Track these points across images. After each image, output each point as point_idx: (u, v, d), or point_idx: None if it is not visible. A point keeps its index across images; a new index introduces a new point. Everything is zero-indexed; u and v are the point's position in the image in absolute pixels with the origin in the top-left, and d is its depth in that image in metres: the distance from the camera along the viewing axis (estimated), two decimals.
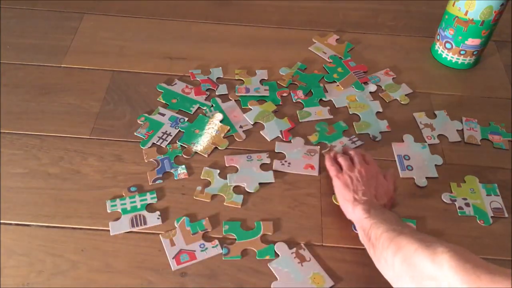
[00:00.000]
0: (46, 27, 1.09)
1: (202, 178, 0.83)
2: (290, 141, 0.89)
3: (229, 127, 0.91)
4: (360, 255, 0.75)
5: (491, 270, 0.51)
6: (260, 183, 0.83)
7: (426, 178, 0.85)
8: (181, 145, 0.88)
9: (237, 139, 0.90)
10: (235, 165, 0.85)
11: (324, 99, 0.97)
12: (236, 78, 1.00)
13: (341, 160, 0.81)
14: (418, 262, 0.58)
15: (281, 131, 0.90)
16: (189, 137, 0.89)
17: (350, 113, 0.95)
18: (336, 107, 0.96)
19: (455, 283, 0.52)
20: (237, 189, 0.82)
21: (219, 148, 0.88)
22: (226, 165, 0.85)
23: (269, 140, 0.90)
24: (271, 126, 0.91)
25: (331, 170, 0.80)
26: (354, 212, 0.72)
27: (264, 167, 0.85)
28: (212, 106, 0.94)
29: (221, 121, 0.91)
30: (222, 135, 0.89)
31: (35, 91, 0.96)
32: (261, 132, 0.91)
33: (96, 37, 1.08)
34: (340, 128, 0.91)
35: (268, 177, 0.84)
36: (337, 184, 0.77)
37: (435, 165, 0.87)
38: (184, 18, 1.13)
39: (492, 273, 0.51)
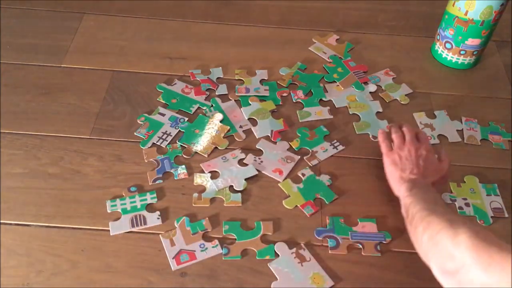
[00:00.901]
0: (46, 27, 1.09)
1: (195, 184, 0.82)
2: (276, 143, 0.89)
3: (229, 127, 0.91)
4: (360, 255, 0.75)
5: (504, 249, 0.52)
6: (246, 179, 0.83)
7: None
8: (181, 145, 0.88)
9: (237, 139, 0.90)
10: (214, 169, 0.84)
11: (324, 99, 0.97)
12: (236, 78, 1.00)
13: (394, 137, 0.83)
14: (440, 241, 0.60)
15: (272, 130, 0.90)
16: (189, 137, 0.89)
17: (350, 113, 0.95)
18: (336, 107, 0.96)
19: (468, 261, 0.54)
20: (233, 188, 0.82)
21: (219, 148, 0.88)
22: (206, 172, 0.84)
23: (257, 137, 0.90)
24: (264, 124, 0.91)
25: (382, 146, 0.82)
26: (400, 190, 0.75)
27: (242, 162, 0.85)
28: (212, 106, 0.94)
29: (221, 121, 0.91)
30: (222, 135, 0.89)
31: (35, 91, 0.96)
32: (252, 127, 0.91)
33: (96, 37, 1.08)
34: (321, 133, 0.91)
35: (250, 171, 0.84)
36: (386, 162, 0.80)
37: None
38: (184, 18, 1.13)
39: (505, 252, 0.52)
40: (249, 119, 0.92)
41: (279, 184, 0.83)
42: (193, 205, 0.80)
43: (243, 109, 0.94)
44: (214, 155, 0.87)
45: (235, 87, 0.98)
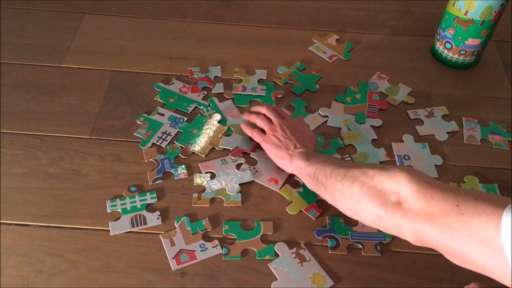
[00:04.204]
0: (46, 27, 1.09)
1: (195, 184, 0.82)
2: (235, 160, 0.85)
3: (227, 127, 0.90)
4: (360, 255, 0.75)
5: (442, 185, 0.58)
6: (240, 184, 0.82)
7: None
8: (180, 145, 0.88)
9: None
10: (211, 170, 0.84)
11: (321, 113, 0.94)
12: (235, 77, 1.00)
13: (260, 123, 0.85)
14: (377, 184, 0.62)
15: (236, 147, 0.87)
16: (187, 137, 0.89)
17: (346, 144, 0.89)
18: (328, 124, 0.92)
19: (411, 195, 0.58)
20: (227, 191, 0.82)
21: (216, 148, 0.88)
22: (202, 172, 0.83)
23: (218, 147, 0.87)
24: (234, 139, 0.88)
25: (254, 136, 0.85)
26: (294, 164, 0.77)
27: (240, 166, 0.85)
28: (209, 105, 0.94)
29: (219, 122, 0.91)
30: (220, 135, 0.89)
31: (35, 91, 0.96)
32: (223, 136, 0.88)
33: (96, 37, 1.08)
34: (336, 145, 0.88)
35: (247, 177, 0.83)
36: (267, 147, 0.82)
37: (435, 165, 0.87)
38: (184, 18, 1.13)
39: (444, 187, 0.57)
40: (228, 128, 0.90)
41: (279, 191, 0.82)
42: (193, 205, 0.80)
43: (229, 119, 0.92)
44: (213, 156, 0.87)
45: (232, 85, 0.98)
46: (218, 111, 0.93)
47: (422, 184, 0.58)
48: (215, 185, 0.82)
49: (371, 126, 0.93)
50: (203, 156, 0.86)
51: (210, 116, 0.92)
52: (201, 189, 0.82)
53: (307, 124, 0.88)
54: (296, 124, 0.84)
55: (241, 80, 0.99)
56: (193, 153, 0.87)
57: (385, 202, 0.61)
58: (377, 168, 0.64)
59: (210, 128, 0.90)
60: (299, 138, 0.81)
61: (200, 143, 0.88)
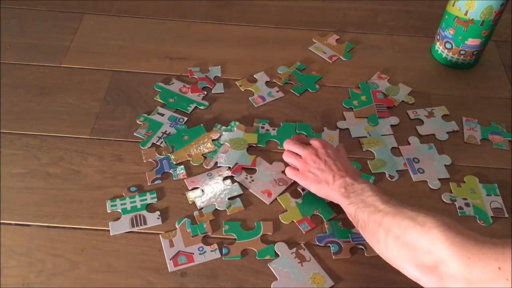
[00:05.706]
0: (46, 27, 1.09)
1: (190, 203, 0.80)
2: (233, 177, 0.83)
3: (216, 148, 0.87)
4: (360, 255, 0.75)
5: (479, 241, 0.54)
6: (229, 198, 0.80)
7: (439, 179, 0.84)
8: (164, 142, 0.87)
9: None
10: (198, 186, 0.82)
11: (340, 127, 0.92)
12: (242, 90, 0.98)
13: (288, 161, 0.81)
14: (410, 240, 0.60)
15: (236, 164, 0.85)
16: (175, 139, 0.88)
17: (364, 150, 0.89)
18: (352, 136, 0.91)
19: (446, 256, 0.55)
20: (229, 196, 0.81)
21: (191, 163, 0.85)
22: (189, 188, 0.81)
23: (218, 164, 0.84)
24: (233, 155, 0.86)
25: (288, 174, 0.81)
26: (336, 200, 0.74)
27: (227, 180, 0.83)
28: (229, 126, 0.90)
29: (214, 140, 0.88)
30: (206, 151, 0.87)
31: (35, 91, 0.96)
32: (220, 153, 0.86)
33: (96, 37, 1.08)
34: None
35: (235, 190, 0.81)
36: (306, 184, 0.78)
37: (445, 165, 0.87)
38: (184, 18, 1.13)
39: (480, 244, 0.53)
40: (222, 144, 0.87)
41: (277, 198, 0.81)
42: (198, 223, 0.77)
43: (224, 133, 0.89)
44: (199, 170, 0.84)
45: (249, 99, 0.96)
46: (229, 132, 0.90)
47: (457, 242, 0.54)
48: (203, 202, 0.80)
49: (391, 125, 0.92)
50: (173, 162, 0.84)
51: (211, 131, 0.89)
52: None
53: (343, 148, 0.82)
54: (326, 149, 0.78)
55: (252, 92, 0.97)
56: (167, 155, 0.86)
57: (420, 264, 0.58)
58: (410, 217, 0.61)
59: (202, 142, 0.87)
60: (333, 166, 0.75)
61: (178, 153, 0.86)
